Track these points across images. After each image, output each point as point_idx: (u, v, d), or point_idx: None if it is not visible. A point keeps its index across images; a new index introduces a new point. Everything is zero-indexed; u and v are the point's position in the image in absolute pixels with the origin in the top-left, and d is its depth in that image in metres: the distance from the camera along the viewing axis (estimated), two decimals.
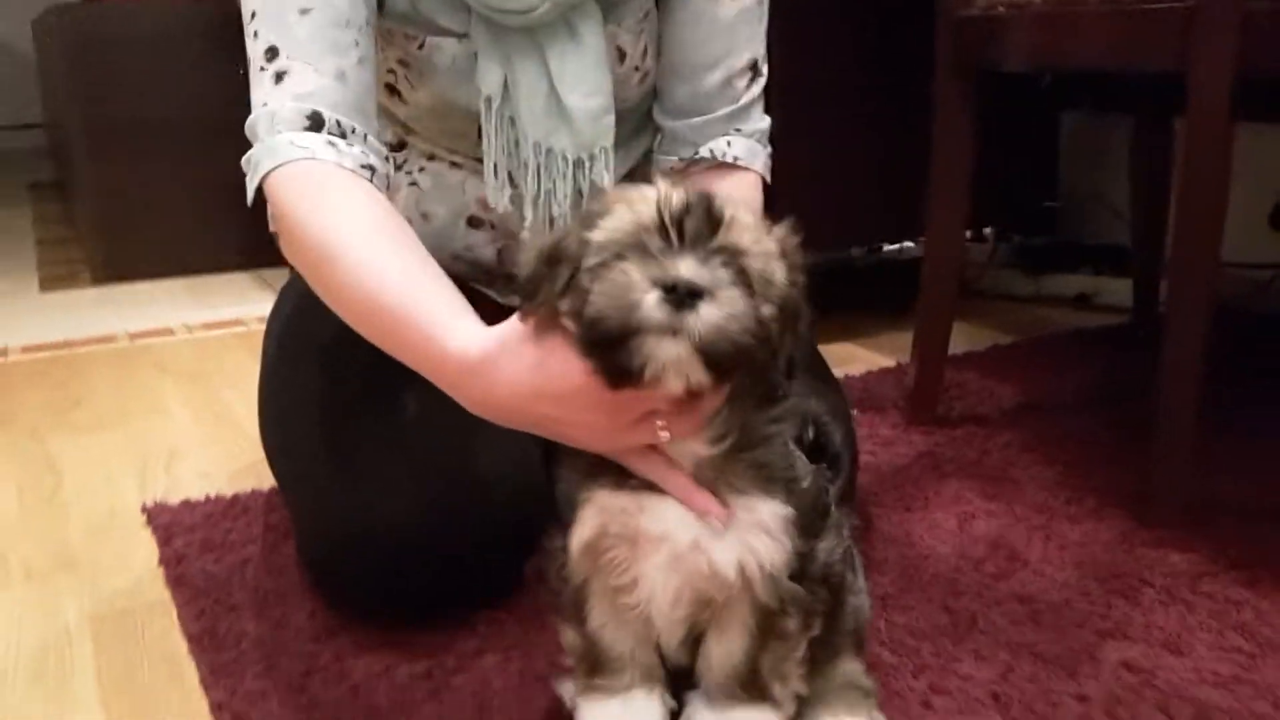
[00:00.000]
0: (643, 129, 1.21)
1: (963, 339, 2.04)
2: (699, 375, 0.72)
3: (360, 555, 1.05)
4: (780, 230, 0.79)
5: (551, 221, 1.10)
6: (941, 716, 0.95)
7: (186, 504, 1.40)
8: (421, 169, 1.18)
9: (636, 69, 1.14)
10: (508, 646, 1.07)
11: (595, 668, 0.86)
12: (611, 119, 1.09)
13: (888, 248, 2.46)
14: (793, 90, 1.99)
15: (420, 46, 1.07)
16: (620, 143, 1.15)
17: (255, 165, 0.97)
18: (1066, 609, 1.12)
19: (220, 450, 1.57)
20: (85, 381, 1.90)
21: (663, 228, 0.72)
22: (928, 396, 1.64)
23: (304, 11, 0.98)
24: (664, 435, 0.78)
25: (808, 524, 0.82)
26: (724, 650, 0.83)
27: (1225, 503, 1.34)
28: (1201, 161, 1.24)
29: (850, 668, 0.92)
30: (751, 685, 0.83)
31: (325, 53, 0.98)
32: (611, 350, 0.72)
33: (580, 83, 1.06)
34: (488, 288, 1.23)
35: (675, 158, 1.17)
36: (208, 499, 1.40)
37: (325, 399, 1.13)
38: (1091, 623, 1.10)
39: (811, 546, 0.83)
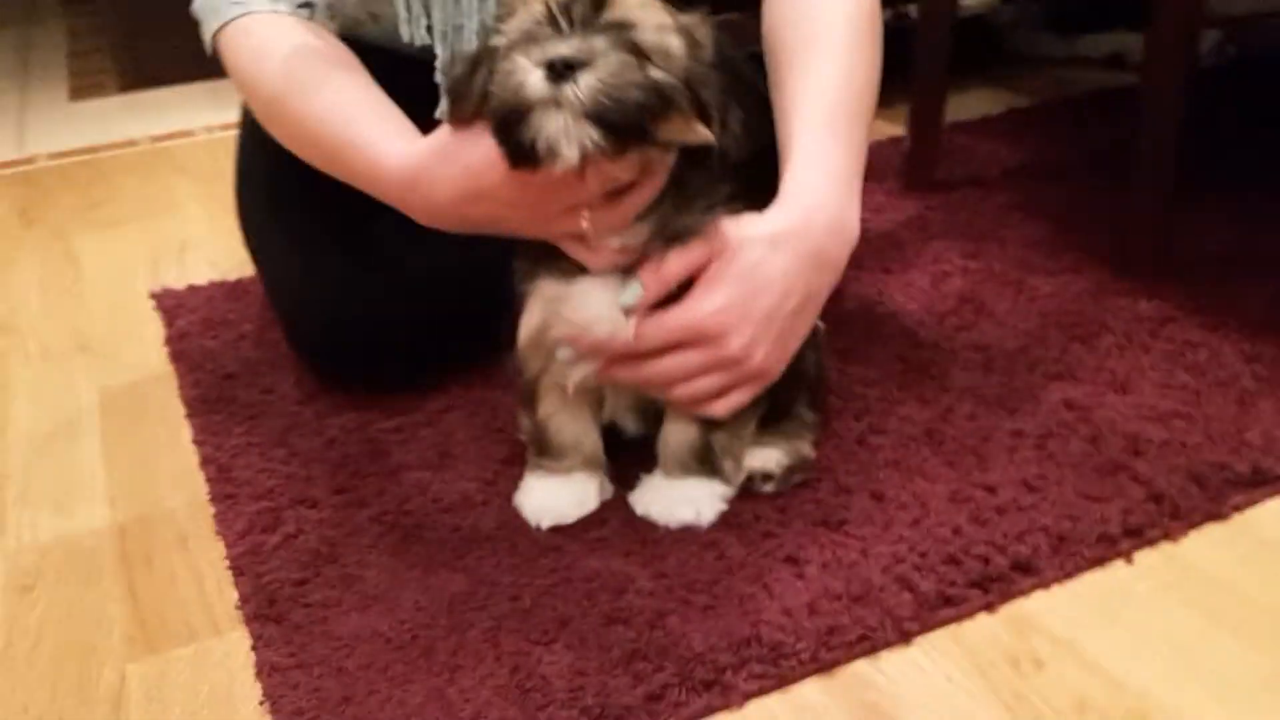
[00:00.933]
0: None
1: (984, 104, 1.99)
2: (591, 137, 0.75)
3: (333, 332, 1.11)
4: (688, 15, 0.81)
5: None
6: (873, 451, 0.99)
7: (192, 288, 1.47)
8: None
9: None
10: (474, 404, 1.13)
11: (542, 450, 0.95)
12: None
13: (914, 14, 2.38)
14: None
15: None
16: None
17: (203, 23, 1.04)
18: (1021, 355, 1.14)
19: (228, 240, 1.62)
20: (108, 183, 1.96)
21: (551, 17, 0.77)
22: (924, 162, 1.62)
23: None
24: (585, 225, 0.82)
25: None
26: (681, 431, 0.91)
27: (1207, 254, 1.33)
28: None
29: (798, 409, 0.99)
30: (705, 460, 0.91)
31: None
32: (512, 133, 0.77)
33: None
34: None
35: None
36: (211, 284, 1.47)
37: (291, 193, 1.16)
38: (1043, 366, 1.12)
39: None
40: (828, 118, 0.92)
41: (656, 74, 0.77)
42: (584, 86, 0.74)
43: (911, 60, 1.58)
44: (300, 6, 1.03)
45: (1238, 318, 1.17)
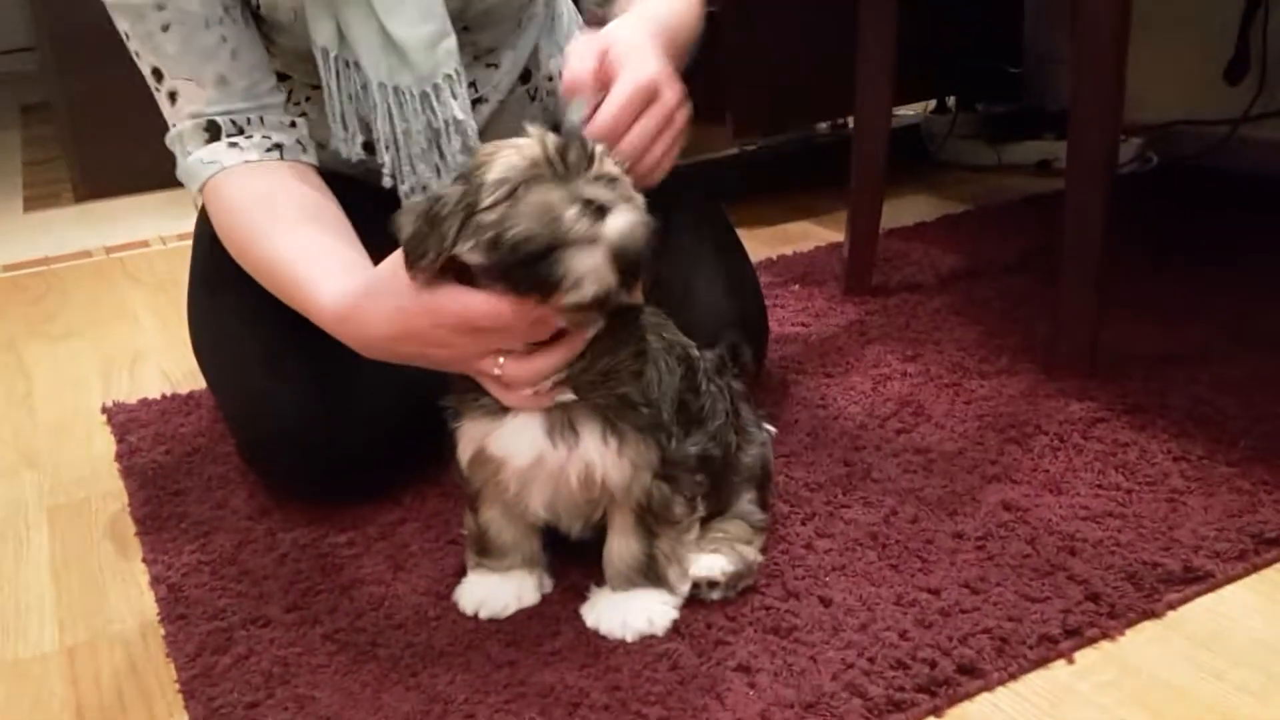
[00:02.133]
0: (530, 20, 1.22)
1: (918, 210, 2.07)
2: (610, 280, 0.80)
3: (283, 445, 1.12)
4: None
5: (412, 163, 1.10)
6: (820, 556, 1.02)
7: (144, 402, 1.47)
8: (308, 98, 1.20)
9: None
10: (428, 516, 1.14)
11: (483, 550, 0.98)
12: (450, 43, 1.08)
13: (852, 124, 2.47)
14: None
15: (258, 8, 1.09)
16: (505, 43, 1.18)
17: (188, 186, 1.11)
18: (959, 457, 1.18)
19: (181, 351, 1.63)
20: (61, 295, 1.97)
21: (549, 162, 0.81)
22: (862, 268, 1.67)
23: (165, 28, 1.05)
24: (497, 371, 0.86)
25: (666, 433, 0.91)
26: (623, 545, 0.93)
27: (1136, 353, 1.38)
28: (1097, 11, 1.24)
29: (745, 507, 1.02)
30: (650, 571, 0.93)
31: (200, 63, 1.06)
32: (534, 266, 0.79)
33: (404, 14, 1.05)
34: None
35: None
36: (164, 397, 1.48)
37: (245, 306, 1.18)
38: (981, 469, 1.15)
39: (676, 447, 0.92)
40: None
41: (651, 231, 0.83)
42: (617, 225, 0.79)
43: (849, 169, 1.65)
44: (269, 151, 1.07)
45: (1165, 418, 1.22)
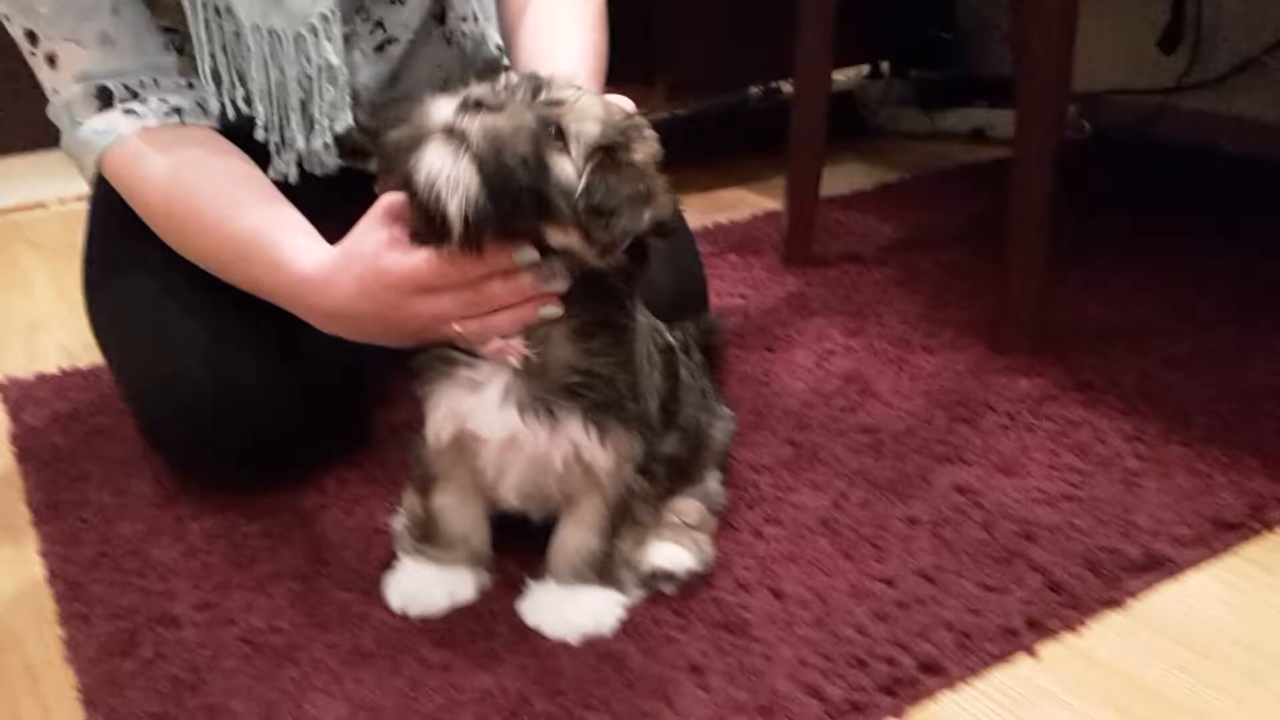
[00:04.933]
0: None
1: (854, 178, 2.03)
2: (472, 187, 0.72)
3: (182, 423, 1.03)
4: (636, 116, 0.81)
5: (287, 114, 1.03)
6: (771, 544, 0.97)
7: (40, 377, 1.37)
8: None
9: None
10: (351, 502, 1.06)
11: (428, 538, 0.91)
12: None
13: (786, 88, 2.42)
14: None
15: None
16: None
17: (79, 159, 1.02)
18: (908, 437, 1.14)
19: (81, 322, 1.52)
20: None
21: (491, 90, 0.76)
22: (801, 238, 1.63)
23: None
24: (457, 329, 0.81)
25: (647, 433, 0.85)
26: (580, 538, 0.87)
27: (1081, 328, 1.36)
28: None
29: (712, 486, 0.99)
30: (603, 569, 0.87)
31: (77, 21, 0.97)
32: (403, 160, 0.74)
33: None
34: None
35: None
36: (63, 372, 1.38)
37: (148, 285, 1.09)
38: (930, 449, 1.11)
39: (654, 448, 0.87)
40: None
41: (560, 162, 0.74)
42: (481, 124, 0.72)
43: (784, 135, 1.60)
44: (168, 115, 0.99)
45: (1116, 394, 1.19)
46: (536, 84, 0.77)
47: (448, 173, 0.72)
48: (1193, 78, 2.07)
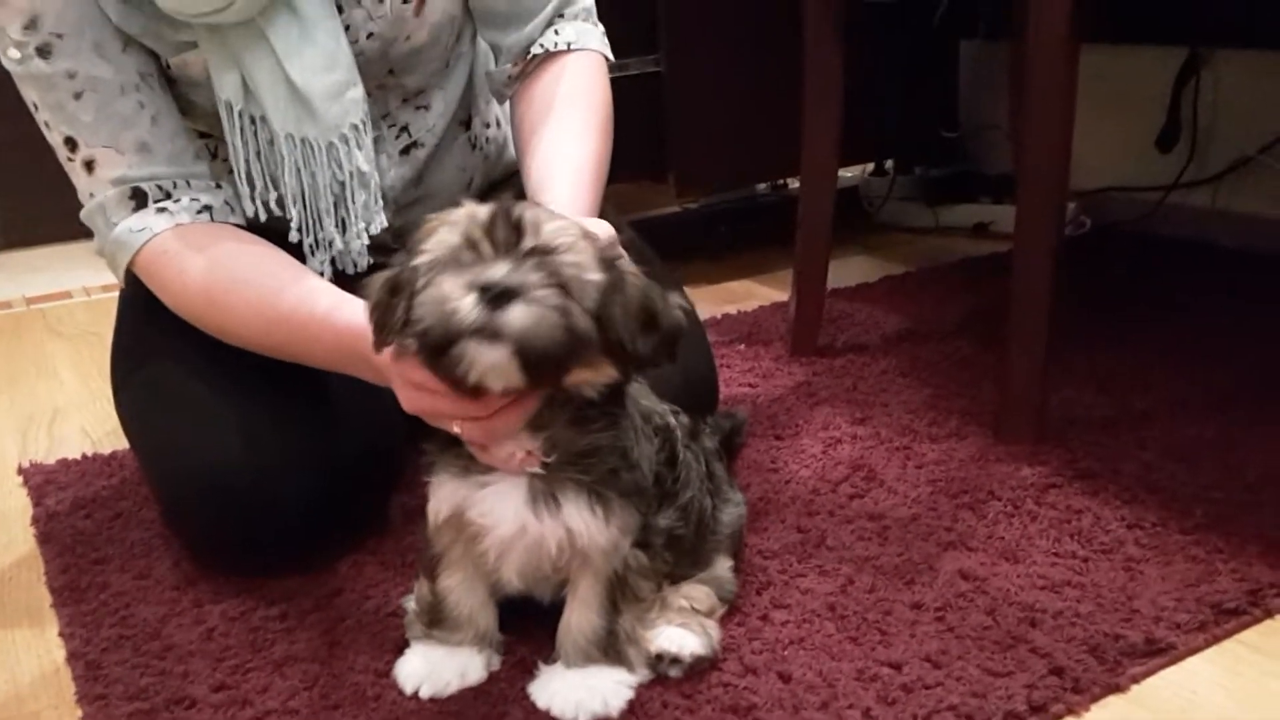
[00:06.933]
0: (458, 59, 1.20)
1: (859, 272, 2.07)
2: (514, 375, 0.76)
3: (209, 505, 1.06)
4: (600, 226, 0.86)
5: (320, 216, 1.07)
6: (778, 629, 0.98)
7: (63, 463, 1.40)
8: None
9: (406, 1, 1.10)
10: (366, 586, 1.08)
11: (436, 621, 0.93)
12: (357, 93, 1.05)
13: (793, 184, 2.48)
14: (687, 24, 2.00)
15: (167, 67, 1.06)
16: (434, 84, 1.15)
17: (112, 258, 1.05)
18: (914, 524, 1.15)
19: (104, 409, 1.57)
20: None
21: (470, 242, 0.77)
22: (808, 328, 1.66)
23: (77, 96, 1.00)
24: (456, 429, 0.83)
25: (642, 505, 0.88)
26: (584, 618, 0.89)
27: (1082, 417, 1.38)
28: (1044, 83, 1.25)
29: (722, 573, 1.01)
30: (609, 648, 0.89)
31: (118, 130, 1.02)
32: (439, 359, 0.77)
33: (308, 61, 1.02)
34: None
35: (508, 67, 1.16)
36: (84, 457, 1.41)
37: (173, 374, 1.13)
38: (936, 536, 1.13)
39: (650, 520, 0.89)
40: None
41: (578, 318, 0.77)
42: (518, 316, 0.74)
43: (791, 229, 1.64)
44: (199, 213, 1.03)
45: (1117, 482, 1.21)
46: (535, 248, 0.78)
47: (491, 364, 0.75)
48: (1190, 175, 2.12)
